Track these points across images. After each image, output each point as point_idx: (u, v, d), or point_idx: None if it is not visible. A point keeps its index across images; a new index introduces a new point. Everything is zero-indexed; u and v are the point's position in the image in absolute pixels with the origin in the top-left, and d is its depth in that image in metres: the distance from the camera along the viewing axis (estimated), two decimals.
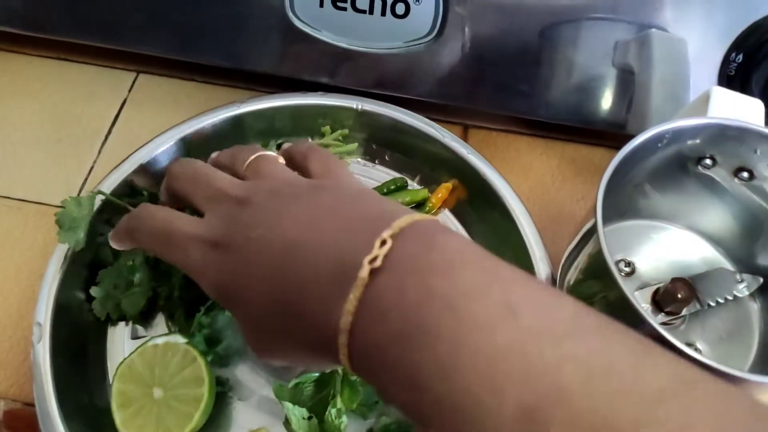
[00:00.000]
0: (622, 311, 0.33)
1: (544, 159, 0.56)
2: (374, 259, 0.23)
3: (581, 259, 0.39)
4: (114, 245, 0.37)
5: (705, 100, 0.42)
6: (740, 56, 0.46)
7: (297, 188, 0.30)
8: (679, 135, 0.40)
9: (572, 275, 0.40)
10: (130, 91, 0.58)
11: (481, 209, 0.50)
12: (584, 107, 0.52)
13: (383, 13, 0.49)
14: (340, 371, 0.38)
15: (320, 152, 0.36)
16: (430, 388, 0.21)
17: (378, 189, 0.51)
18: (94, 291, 0.44)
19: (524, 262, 0.45)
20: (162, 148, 0.49)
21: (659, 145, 0.40)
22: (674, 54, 0.47)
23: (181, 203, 0.35)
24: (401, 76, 0.53)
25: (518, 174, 0.54)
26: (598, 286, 0.36)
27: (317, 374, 0.41)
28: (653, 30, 0.46)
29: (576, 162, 0.56)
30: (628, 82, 0.50)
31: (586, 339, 0.21)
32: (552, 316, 0.21)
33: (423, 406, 0.22)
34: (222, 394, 0.43)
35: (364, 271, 0.23)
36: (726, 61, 0.47)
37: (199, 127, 0.50)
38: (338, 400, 0.39)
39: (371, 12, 0.49)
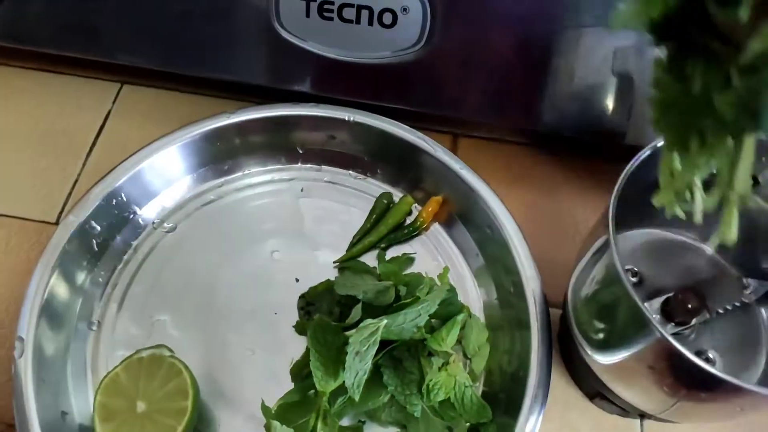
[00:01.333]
0: (635, 324, 0.33)
1: (537, 168, 0.54)
2: None
3: (596, 273, 0.38)
4: None
5: None
6: None
7: None
8: None
9: (588, 289, 0.39)
10: (114, 102, 0.57)
11: (472, 224, 0.49)
12: (582, 117, 0.51)
13: (370, 23, 0.48)
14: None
15: None
16: None
17: (368, 216, 0.50)
18: None
19: (514, 277, 0.45)
20: (148, 159, 0.48)
21: None
22: None
23: None
24: (390, 85, 0.51)
25: (510, 184, 0.53)
26: (609, 299, 0.36)
27: (298, 397, 0.40)
28: None
29: (571, 171, 0.54)
30: (627, 91, 0.48)
31: None
32: None
33: None
34: (207, 410, 0.42)
35: None
36: None
37: (189, 137, 0.49)
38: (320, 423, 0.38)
39: (358, 22, 0.48)
